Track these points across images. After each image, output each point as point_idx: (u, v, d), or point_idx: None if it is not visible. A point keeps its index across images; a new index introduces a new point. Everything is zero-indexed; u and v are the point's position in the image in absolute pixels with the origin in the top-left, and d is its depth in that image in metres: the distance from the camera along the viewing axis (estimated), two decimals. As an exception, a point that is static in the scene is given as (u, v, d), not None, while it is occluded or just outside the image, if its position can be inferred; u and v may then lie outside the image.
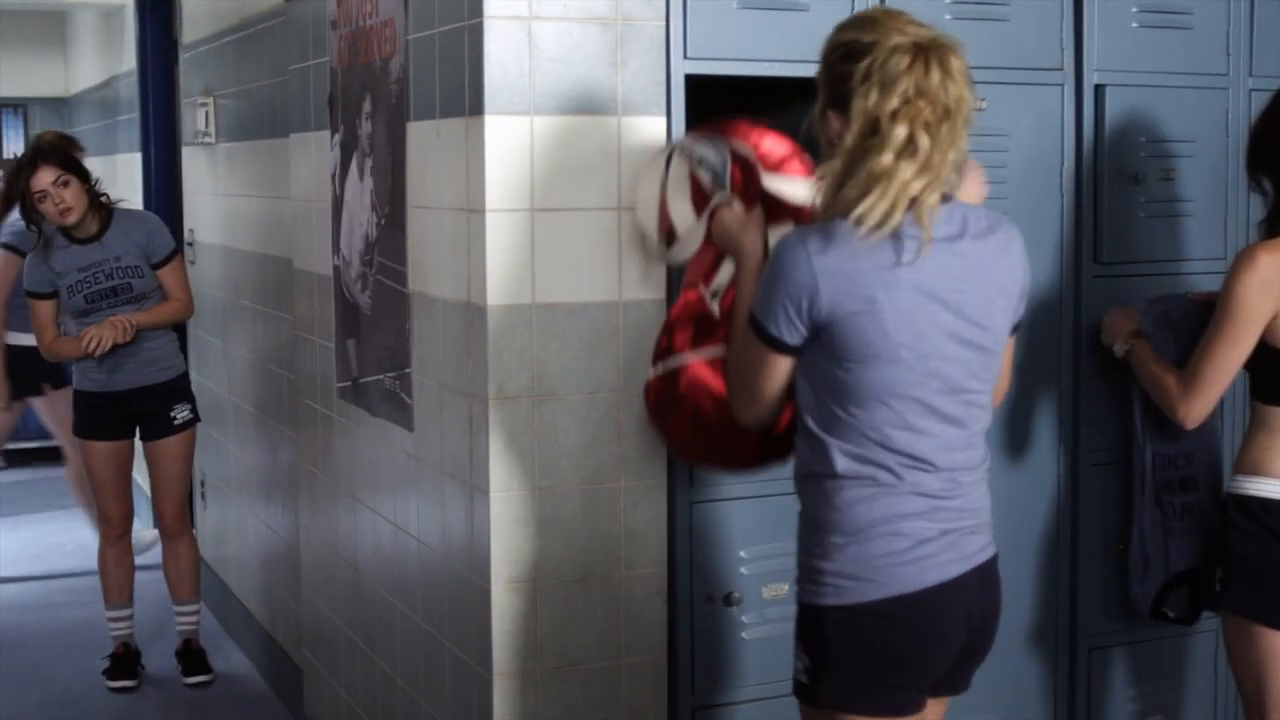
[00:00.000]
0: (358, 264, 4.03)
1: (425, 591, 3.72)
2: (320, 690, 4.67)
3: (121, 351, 5.26)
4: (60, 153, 5.32)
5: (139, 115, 7.46)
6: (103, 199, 5.39)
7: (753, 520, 3.51)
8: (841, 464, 2.62)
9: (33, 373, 6.56)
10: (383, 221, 3.83)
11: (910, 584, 2.60)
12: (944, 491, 2.64)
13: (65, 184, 5.20)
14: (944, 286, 2.56)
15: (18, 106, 10.17)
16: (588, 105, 3.29)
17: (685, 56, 3.36)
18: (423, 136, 3.57)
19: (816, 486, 2.67)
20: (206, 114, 5.96)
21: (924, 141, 2.46)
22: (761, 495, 3.50)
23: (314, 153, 4.42)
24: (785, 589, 3.54)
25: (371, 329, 3.96)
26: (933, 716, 2.81)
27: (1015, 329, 2.78)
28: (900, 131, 2.45)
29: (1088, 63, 3.75)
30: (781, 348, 2.61)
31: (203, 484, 6.59)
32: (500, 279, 3.27)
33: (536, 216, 3.28)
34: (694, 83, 3.38)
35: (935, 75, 2.47)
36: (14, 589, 6.87)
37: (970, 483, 2.70)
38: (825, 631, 2.64)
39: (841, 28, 2.62)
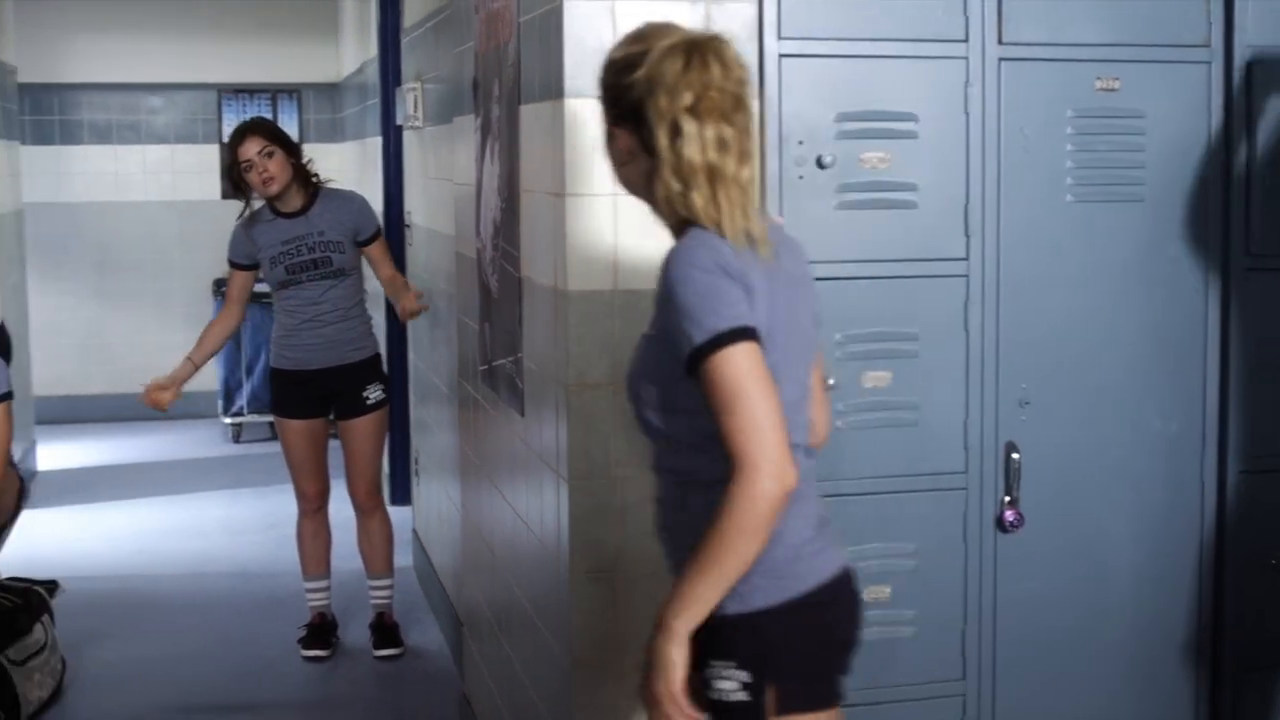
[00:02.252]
0: (489, 248, 4.04)
1: (532, 578, 3.70)
2: (474, 669, 4.71)
3: (321, 331, 5.40)
4: (268, 125, 5.47)
5: (379, 99, 7.65)
6: (313, 178, 5.52)
7: (849, 519, 3.36)
8: None
9: None
10: (504, 205, 3.82)
11: (824, 571, 2.50)
12: (810, 482, 2.56)
13: (270, 155, 5.33)
14: (778, 290, 2.45)
15: (292, 92, 10.57)
16: (674, 87, 3.20)
17: (779, 37, 3.25)
18: (528, 120, 3.55)
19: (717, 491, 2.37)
20: (415, 98, 6.07)
21: (728, 131, 2.41)
22: (859, 494, 3.38)
23: (469, 136, 4.44)
24: (887, 591, 3.41)
25: (498, 313, 3.96)
26: None
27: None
28: (709, 132, 2.40)
29: (1239, 37, 3.47)
30: (753, 333, 2.37)
31: (416, 460, 6.73)
32: (581, 264, 3.22)
33: (620, 201, 3.21)
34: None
35: (715, 69, 2.42)
36: (242, 555, 7.14)
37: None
38: (765, 636, 2.44)
39: (613, 49, 2.55)
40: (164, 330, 10.40)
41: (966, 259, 3.39)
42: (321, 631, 5.75)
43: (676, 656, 2.37)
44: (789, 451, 2.32)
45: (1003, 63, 3.36)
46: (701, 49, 2.43)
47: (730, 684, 2.44)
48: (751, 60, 3.23)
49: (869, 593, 3.39)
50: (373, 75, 8.20)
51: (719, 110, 2.41)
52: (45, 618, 5.18)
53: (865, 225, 3.33)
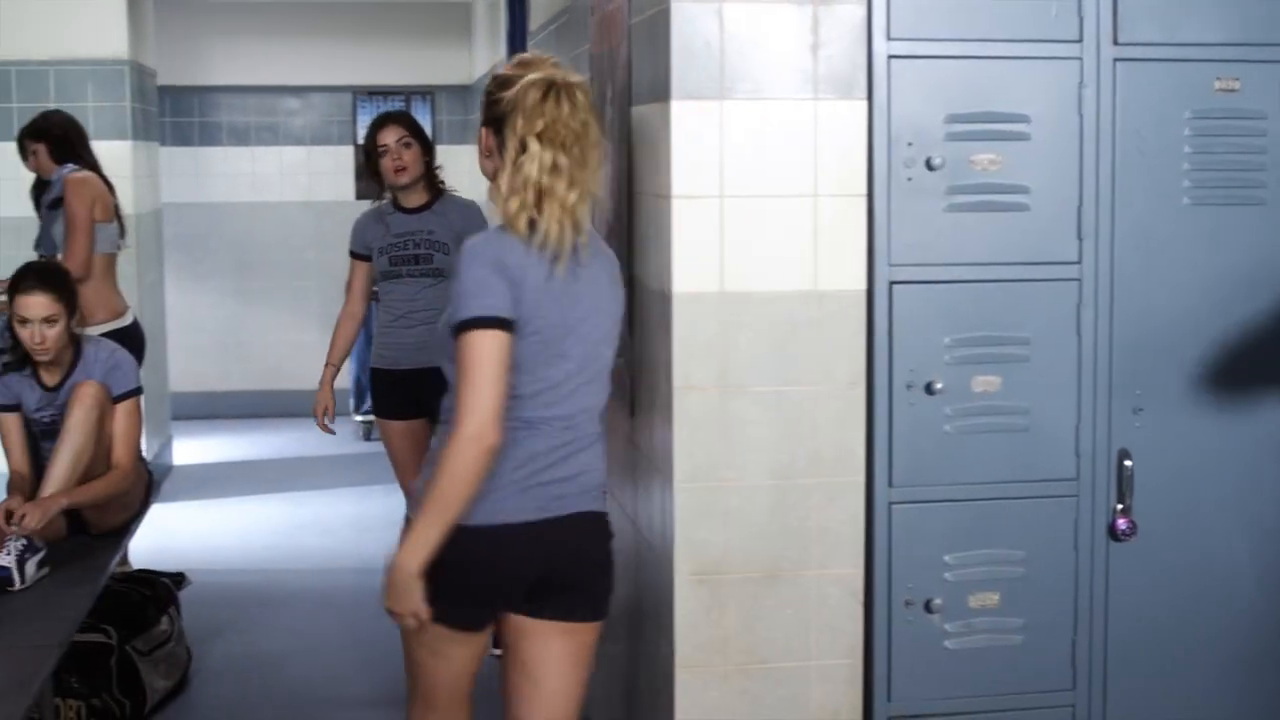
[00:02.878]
0: (603, 249, 4.05)
1: (638, 578, 3.71)
2: (600, 668, 4.72)
3: (412, 330, 5.45)
4: (410, 118, 5.55)
5: (508, 102, 7.70)
6: (440, 184, 5.57)
7: (957, 524, 3.34)
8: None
9: None
10: (616, 207, 3.83)
11: (480, 520, 2.99)
12: (544, 452, 3.02)
13: (406, 145, 5.40)
14: (564, 291, 2.97)
15: (426, 94, 10.70)
16: (782, 89, 3.20)
17: (889, 37, 3.23)
18: (638, 122, 3.56)
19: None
20: (539, 100, 6.09)
21: (563, 160, 2.96)
22: (967, 499, 3.34)
23: (586, 138, 4.46)
24: (995, 599, 3.37)
25: (611, 314, 3.97)
26: (558, 644, 3.19)
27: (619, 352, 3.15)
28: (547, 156, 2.95)
29: (1366, 36, 3.39)
30: (500, 322, 2.94)
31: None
32: (687, 267, 3.22)
33: (727, 203, 3.21)
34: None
35: (565, 107, 2.97)
36: (369, 551, 7.18)
37: (571, 452, 3.05)
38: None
39: (507, 66, 3.12)
40: (299, 329, 10.59)
41: (1079, 262, 3.34)
42: None
43: (413, 586, 2.95)
44: (494, 420, 2.90)
45: (1118, 63, 3.31)
46: (558, 88, 2.98)
47: None
48: (860, 62, 3.22)
49: (977, 599, 3.36)
50: (502, 77, 8.27)
51: (560, 140, 2.96)
52: (172, 609, 5.30)
53: (975, 228, 3.30)
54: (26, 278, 4.77)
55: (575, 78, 3.04)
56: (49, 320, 4.70)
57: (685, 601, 3.29)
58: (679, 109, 3.18)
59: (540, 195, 2.95)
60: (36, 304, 4.69)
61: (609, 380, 3.11)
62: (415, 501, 5.58)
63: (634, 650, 3.84)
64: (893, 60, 3.23)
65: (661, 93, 3.26)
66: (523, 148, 2.96)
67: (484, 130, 3.08)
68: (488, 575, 3.04)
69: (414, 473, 5.64)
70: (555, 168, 2.95)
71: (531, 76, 2.99)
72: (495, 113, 3.02)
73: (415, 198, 5.47)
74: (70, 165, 6.16)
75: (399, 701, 5.31)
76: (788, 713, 3.33)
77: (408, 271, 5.40)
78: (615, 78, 3.79)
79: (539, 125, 2.95)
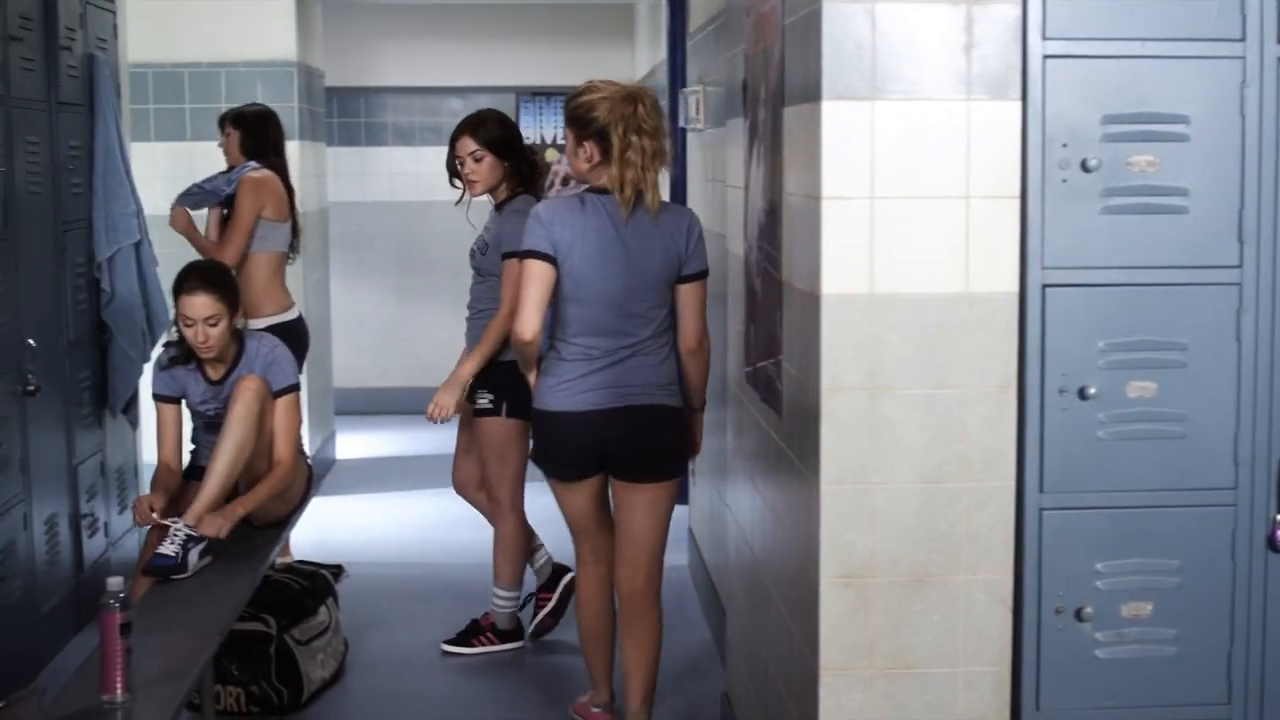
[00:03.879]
0: (754, 250, 4.06)
1: (784, 579, 3.71)
2: (735, 669, 4.73)
3: (468, 322, 5.73)
4: (485, 127, 5.50)
5: (668, 102, 7.74)
6: (521, 186, 5.53)
7: (1109, 531, 3.29)
8: (558, 335, 4.47)
9: None
10: (767, 208, 3.83)
11: (553, 405, 4.46)
12: (603, 363, 4.39)
13: (477, 159, 5.42)
14: (625, 239, 4.34)
15: (588, 94, 10.79)
16: (934, 89, 3.17)
17: (1044, 37, 3.18)
18: (790, 122, 3.55)
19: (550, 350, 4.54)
20: (697, 101, 6.12)
21: (652, 145, 4.30)
22: (1120, 506, 3.29)
23: (740, 138, 4.47)
24: (1148, 608, 3.31)
25: (762, 315, 3.97)
26: (636, 497, 4.54)
27: (688, 278, 4.43)
28: (646, 143, 4.28)
29: None
30: (537, 254, 4.37)
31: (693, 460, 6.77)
32: (837, 268, 3.21)
33: (877, 204, 3.19)
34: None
35: (644, 108, 4.31)
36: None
37: (628, 362, 4.40)
38: (536, 426, 4.60)
39: (577, 95, 4.41)
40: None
41: (1240, 266, 3.26)
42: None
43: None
44: (532, 318, 4.34)
45: (1283, 63, 3.23)
46: (635, 97, 4.32)
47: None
48: (1014, 62, 3.18)
49: (1129, 609, 3.31)
50: (663, 78, 8.31)
51: (647, 132, 4.29)
52: (330, 600, 5.40)
53: (1132, 230, 3.24)
54: (190, 278, 4.90)
55: (645, 88, 4.42)
56: (211, 320, 4.83)
57: (830, 604, 3.28)
58: (830, 109, 3.17)
59: (643, 171, 4.26)
60: (199, 304, 4.82)
61: (654, 317, 4.37)
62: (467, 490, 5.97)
63: (777, 651, 3.83)
64: (1048, 60, 3.19)
65: (813, 93, 3.25)
66: (626, 145, 4.25)
67: (587, 145, 4.33)
68: (563, 443, 4.46)
69: (457, 464, 5.81)
70: (647, 152, 4.26)
71: (616, 93, 4.31)
72: (596, 127, 4.30)
73: (497, 196, 5.53)
74: (253, 163, 6.33)
75: (552, 697, 5.39)
76: (933, 718, 3.30)
77: (471, 267, 5.62)
78: (769, 78, 3.79)
79: (633, 124, 4.24)
